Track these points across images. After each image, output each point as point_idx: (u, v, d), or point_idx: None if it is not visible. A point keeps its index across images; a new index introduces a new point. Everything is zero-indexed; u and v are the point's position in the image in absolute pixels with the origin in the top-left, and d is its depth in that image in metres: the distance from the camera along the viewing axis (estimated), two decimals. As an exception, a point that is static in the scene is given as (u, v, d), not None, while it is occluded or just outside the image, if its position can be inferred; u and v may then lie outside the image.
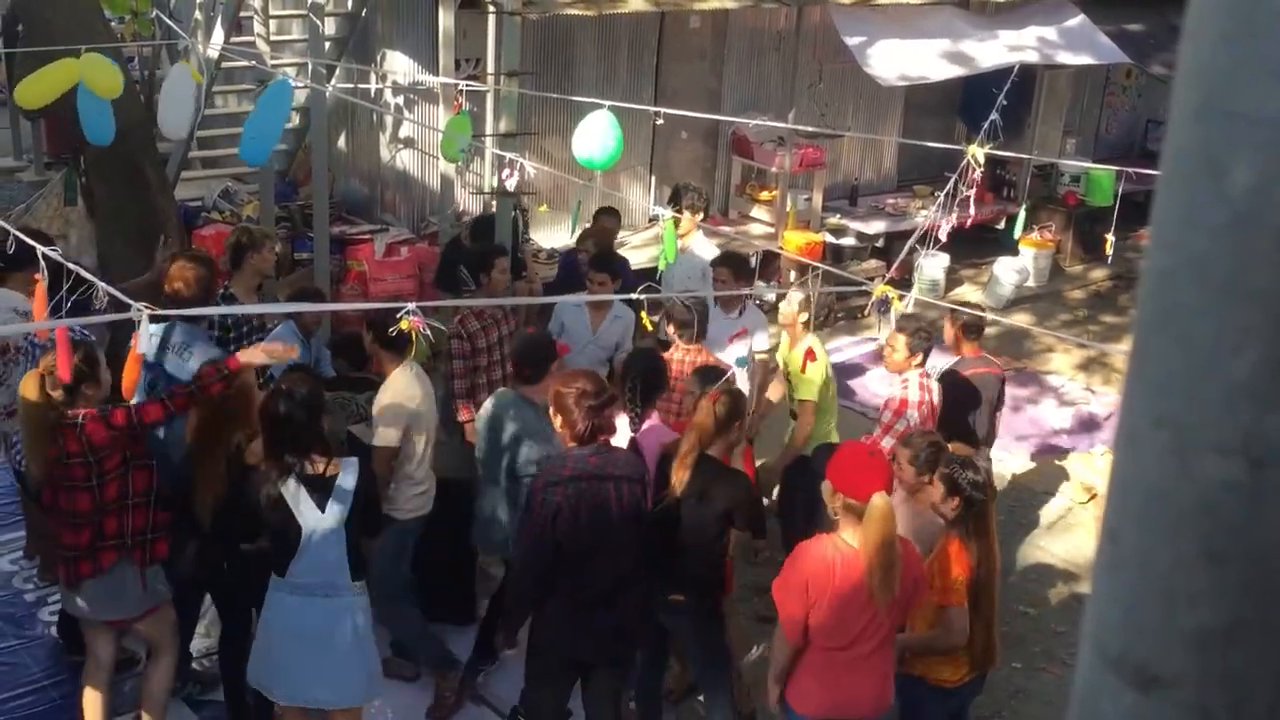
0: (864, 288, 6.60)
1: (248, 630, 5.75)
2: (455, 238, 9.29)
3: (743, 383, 6.32)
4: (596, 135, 6.53)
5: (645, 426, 5.78)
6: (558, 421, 5.04)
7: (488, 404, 5.97)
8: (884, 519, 4.37)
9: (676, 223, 6.95)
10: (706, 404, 5.20)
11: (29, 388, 4.97)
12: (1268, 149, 0.57)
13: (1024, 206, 7.10)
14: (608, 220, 8.77)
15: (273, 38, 10.65)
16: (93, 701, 5.37)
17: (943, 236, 6.39)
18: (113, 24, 10.16)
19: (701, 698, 5.87)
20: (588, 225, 8.97)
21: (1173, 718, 0.63)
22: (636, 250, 10.71)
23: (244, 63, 10.61)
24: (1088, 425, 9.73)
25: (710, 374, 5.67)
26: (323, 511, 4.75)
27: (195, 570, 5.53)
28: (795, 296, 6.76)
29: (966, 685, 5.09)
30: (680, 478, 5.15)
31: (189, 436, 5.19)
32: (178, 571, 5.48)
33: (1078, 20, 12.64)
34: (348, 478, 4.79)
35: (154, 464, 5.20)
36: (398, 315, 4.81)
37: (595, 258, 7.78)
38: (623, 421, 5.76)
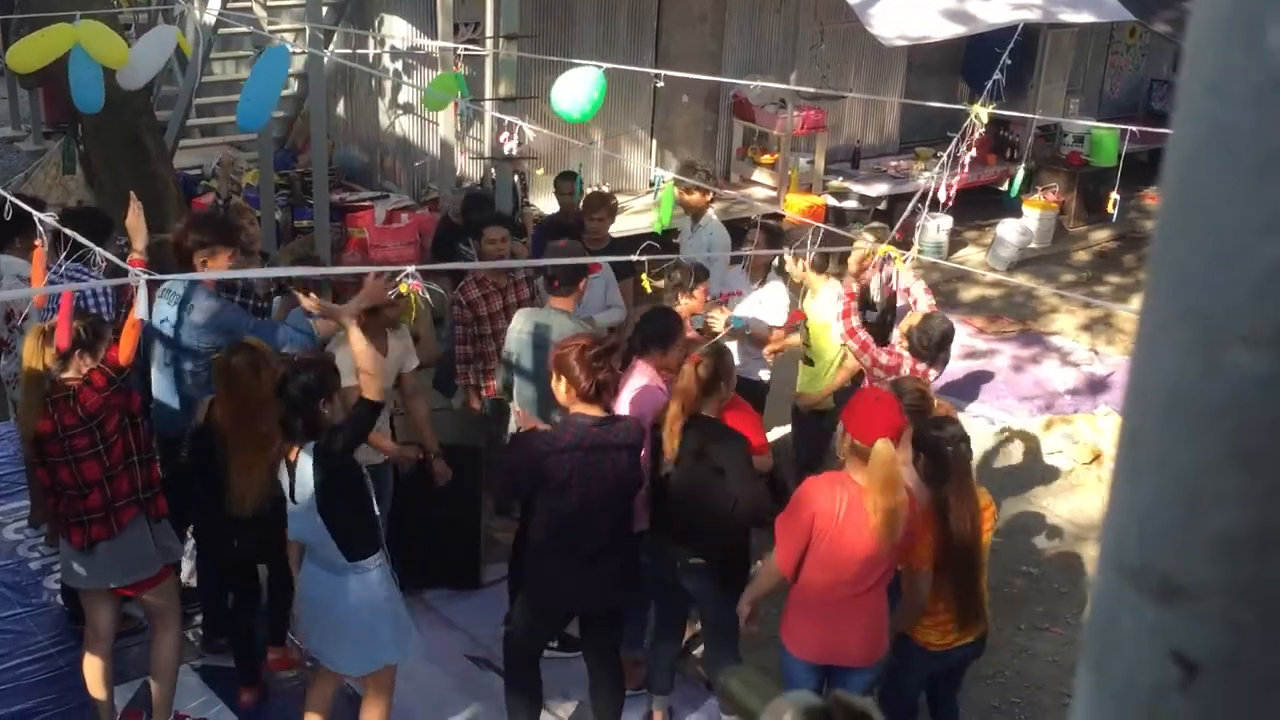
0: (868, 248, 6.58)
1: (257, 599, 5.76)
2: (445, 217, 9.24)
3: (733, 347, 6.37)
4: (578, 89, 6.52)
5: (639, 385, 5.72)
6: (561, 384, 5.04)
7: (518, 319, 6.28)
8: (886, 463, 4.45)
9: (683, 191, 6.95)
10: (688, 367, 5.20)
11: (29, 346, 4.96)
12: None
13: (1023, 166, 7.03)
14: (565, 184, 8.70)
15: (269, 3, 10.57)
16: (94, 669, 5.37)
17: (942, 197, 6.32)
18: (109, -10, 10.08)
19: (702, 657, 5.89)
20: (590, 189, 8.94)
21: (1198, 631, 0.60)
22: (637, 215, 10.66)
23: (241, 28, 10.54)
24: (1092, 386, 9.70)
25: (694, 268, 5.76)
26: (293, 500, 4.77)
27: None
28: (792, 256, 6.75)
29: (956, 649, 5.05)
30: (671, 445, 5.16)
31: (223, 421, 5.17)
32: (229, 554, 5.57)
33: (1081, -22, 12.52)
34: (305, 463, 4.72)
35: (146, 417, 5.24)
36: (397, 279, 4.83)
37: (551, 225, 7.68)
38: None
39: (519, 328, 6.27)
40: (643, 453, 5.20)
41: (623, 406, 5.65)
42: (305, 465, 4.72)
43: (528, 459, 5.03)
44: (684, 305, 6.58)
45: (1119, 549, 0.64)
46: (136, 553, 5.18)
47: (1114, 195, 6.51)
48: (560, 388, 5.06)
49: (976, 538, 4.87)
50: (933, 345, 6.01)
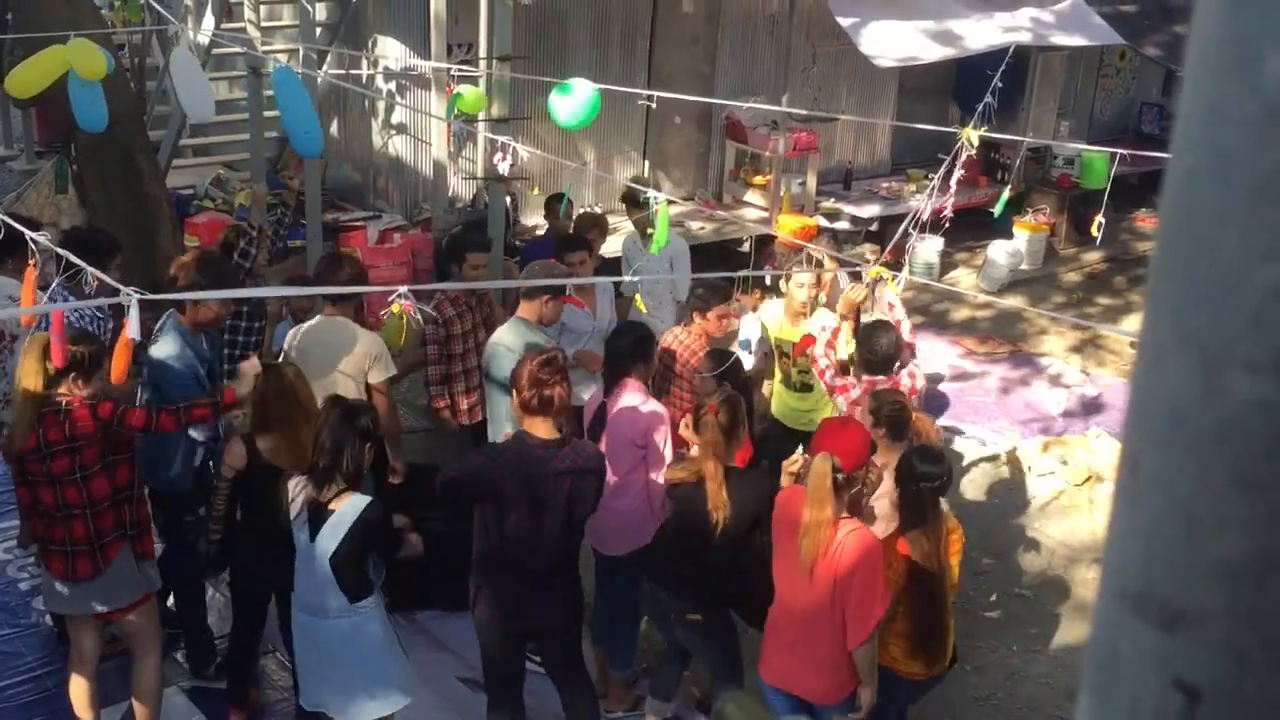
0: (856, 267, 6.60)
1: (258, 626, 5.70)
2: (443, 235, 9.25)
3: (748, 361, 6.36)
4: (574, 95, 6.57)
5: (629, 405, 5.70)
6: (515, 400, 4.99)
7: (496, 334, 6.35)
8: (817, 476, 4.49)
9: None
10: (709, 418, 5.06)
11: (28, 362, 4.93)
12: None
13: (1006, 188, 7.06)
14: (556, 206, 8.68)
15: (263, 23, 10.59)
16: (80, 691, 5.34)
17: (926, 216, 6.36)
18: (102, 10, 10.10)
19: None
20: (581, 210, 8.95)
21: (1200, 658, 0.60)
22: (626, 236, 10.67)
23: (235, 49, 10.56)
24: (1084, 407, 9.72)
25: (718, 356, 5.73)
26: (312, 540, 4.71)
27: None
28: (805, 278, 6.69)
29: (930, 680, 5.08)
30: (718, 504, 5.00)
31: (274, 456, 5.12)
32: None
33: (1071, 1, 12.61)
34: (348, 511, 4.67)
35: (133, 457, 5.16)
36: (389, 299, 4.82)
37: (563, 240, 7.67)
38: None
39: (490, 342, 6.35)
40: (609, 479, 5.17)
41: (612, 426, 5.64)
42: (348, 512, 4.67)
43: (466, 470, 5.07)
44: (698, 325, 6.57)
45: (1120, 575, 0.63)
46: (119, 581, 5.15)
47: (1099, 218, 6.52)
48: (515, 400, 5.02)
49: (941, 573, 4.86)
50: (879, 357, 6.01)
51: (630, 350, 5.79)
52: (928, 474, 4.83)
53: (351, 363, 6.05)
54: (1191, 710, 0.60)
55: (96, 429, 4.90)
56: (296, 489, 4.76)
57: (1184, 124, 0.59)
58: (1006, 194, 7.01)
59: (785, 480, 5.11)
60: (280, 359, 6.22)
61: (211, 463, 5.80)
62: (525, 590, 5.03)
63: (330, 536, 4.66)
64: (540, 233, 9.42)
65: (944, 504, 5.11)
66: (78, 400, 4.92)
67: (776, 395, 7.02)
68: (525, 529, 4.91)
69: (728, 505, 4.98)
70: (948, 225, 6.60)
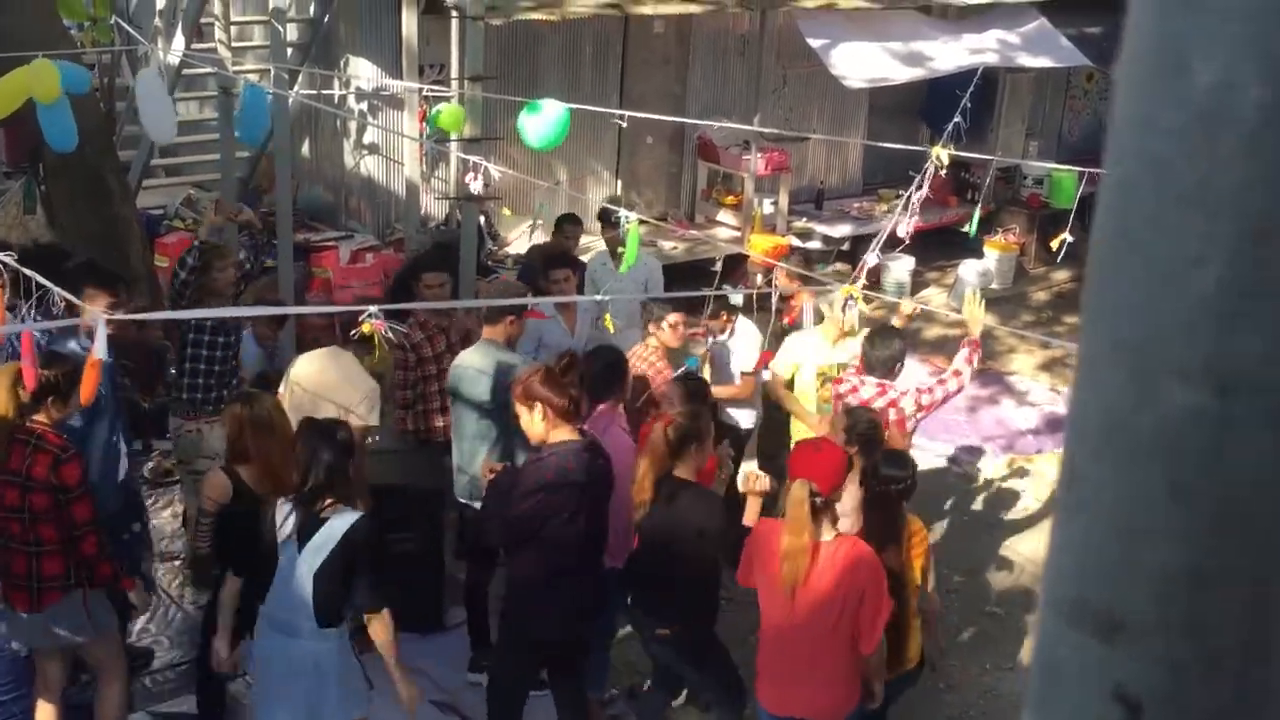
0: (828, 287, 6.62)
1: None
2: (412, 254, 9.25)
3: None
4: (544, 116, 6.57)
5: (604, 427, 5.69)
6: (536, 414, 4.91)
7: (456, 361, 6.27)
8: (795, 504, 4.50)
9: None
10: (658, 427, 5.12)
11: (1, 385, 4.88)
12: (1232, 42, 0.53)
13: (979, 207, 7.12)
14: (570, 228, 8.69)
15: (234, 44, 10.56)
16: (46, 718, 5.28)
17: (903, 233, 6.39)
18: (71, 31, 10.05)
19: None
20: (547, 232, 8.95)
21: (1138, 669, 0.60)
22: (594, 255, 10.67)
23: (205, 69, 10.52)
24: (1054, 425, 9.75)
25: (687, 385, 5.72)
26: (299, 551, 4.68)
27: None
28: (836, 300, 6.68)
29: (893, 681, 5.11)
30: (641, 498, 5.09)
31: (256, 484, 5.09)
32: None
33: (1038, 24, 12.73)
34: (338, 525, 4.65)
35: (89, 494, 5.06)
36: (360, 319, 4.81)
37: (552, 256, 7.68)
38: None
39: (454, 366, 6.29)
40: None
41: None
42: (339, 526, 4.66)
43: (541, 500, 4.87)
44: (656, 339, 6.55)
45: (1059, 586, 0.63)
46: (66, 624, 5.07)
47: (1063, 236, 6.57)
48: (534, 418, 4.92)
49: (902, 572, 4.92)
50: (879, 360, 6.10)
51: (606, 375, 5.78)
52: (892, 476, 4.92)
53: (341, 394, 6.02)
54: (1131, 721, 0.60)
55: (47, 478, 4.84)
56: (285, 509, 4.75)
57: (1116, 134, 0.59)
58: (979, 213, 7.05)
59: (751, 503, 5.14)
60: (283, 383, 6.21)
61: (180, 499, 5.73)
62: (566, 600, 5.01)
63: (318, 550, 4.64)
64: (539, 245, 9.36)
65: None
66: (51, 436, 4.86)
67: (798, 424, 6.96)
68: (587, 532, 4.94)
69: (648, 509, 5.06)
70: (907, 242, 6.63)
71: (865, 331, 6.69)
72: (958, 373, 6.08)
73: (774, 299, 6.74)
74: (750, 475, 5.37)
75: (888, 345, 6.16)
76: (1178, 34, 0.55)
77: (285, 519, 4.73)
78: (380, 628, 4.75)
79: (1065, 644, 0.63)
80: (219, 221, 7.72)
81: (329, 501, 4.69)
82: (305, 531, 4.67)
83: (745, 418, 7.21)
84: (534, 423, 4.96)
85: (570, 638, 5.21)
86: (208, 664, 5.65)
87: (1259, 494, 0.57)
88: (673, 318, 6.56)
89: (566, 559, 4.93)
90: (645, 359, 6.57)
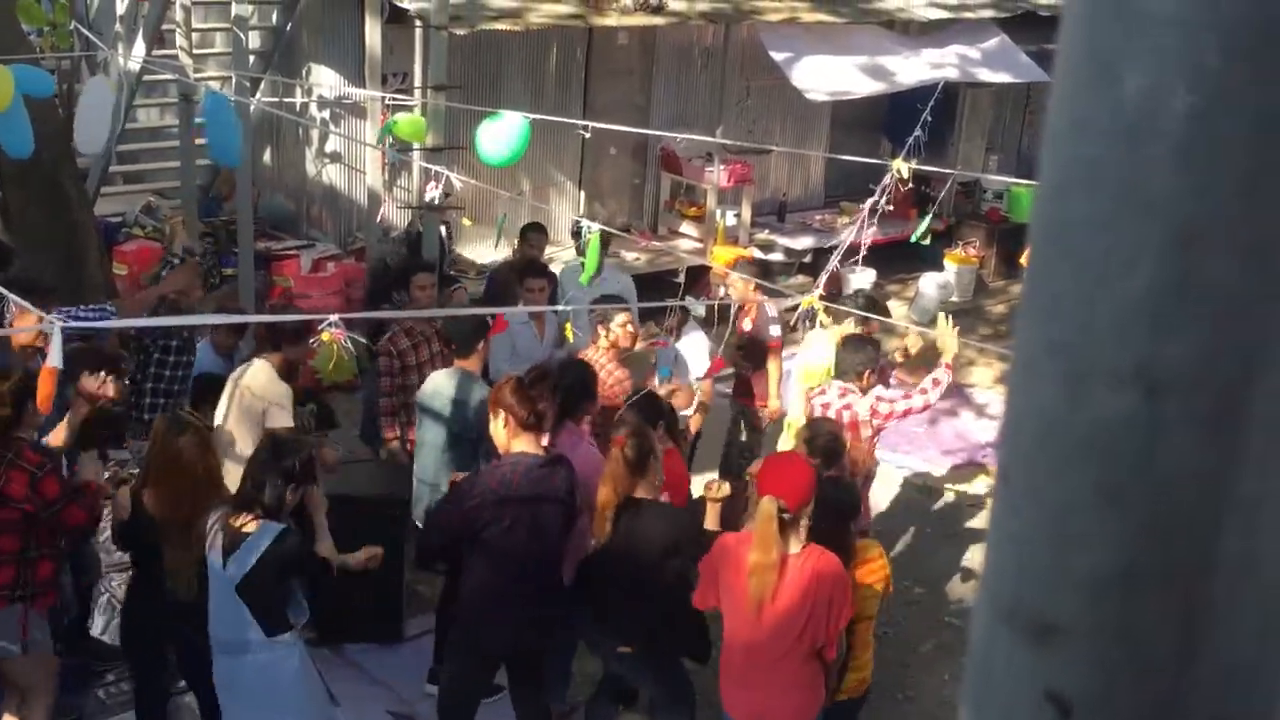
0: (790, 299, 6.65)
1: (160, 672, 5.56)
2: (380, 260, 9.22)
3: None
4: (501, 133, 6.56)
5: (572, 444, 5.68)
6: (499, 422, 5.01)
7: (428, 384, 6.23)
8: (763, 520, 4.50)
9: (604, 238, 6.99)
10: (615, 452, 5.08)
11: None
12: (1162, 50, 0.55)
13: (929, 214, 7.20)
14: (534, 236, 8.70)
15: (195, 50, 10.50)
16: None
17: (859, 244, 6.45)
18: (31, 36, 9.95)
19: None
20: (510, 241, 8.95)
21: (1070, 671, 0.60)
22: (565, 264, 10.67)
23: (166, 76, 10.46)
24: (1012, 437, 9.85)
25: (643, 406, 5.70)
26: (223, 566, 4.63)
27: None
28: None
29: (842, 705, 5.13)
30: (602, 529, 5.08)
31: (153, 509, 5.02)
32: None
33: (998, 40, 12.86)
34: (261, 539, 4.59)
35: (75, 498, 5.02)
36: (319, 326, 4.79)
37: (528, 265, 7.73)
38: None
39: (424, 390, 6.23)
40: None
41: None
42: (261, 538, 4.60)
43: (470, 506, 4.95)
44: (605, 340, 6.53)
45: (994, 589, 0.64)
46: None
47: (1029, 251, 6.64)
48: (498, 426, 5.01)
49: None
50: (854, 365, 6.18)
51: (577, 391, 5.77)
52: (840, 502, 4.93)
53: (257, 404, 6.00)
54: (1062, 722, 0.61)
55: (26, 496, 4.78)
56: (215, 519, 4.70)
57: (1051, 140, 0.60)
58: (928, 221, 7.14)
59: (710, 508, 5.15)
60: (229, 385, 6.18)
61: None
62: (519, 614, 5.02)
63: (240, 561, 4.57)
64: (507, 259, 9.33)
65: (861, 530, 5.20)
66: (28, 452, 4.81)
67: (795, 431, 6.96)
68: (530, 545, 4.93)
69: (610, 535, 5.04)
70: (863, 255, 6.70)
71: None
72: (924, 390, 6.14)
73: (733, 309, 6.78)
74: (710, 483, 5.38)
75: (859, 351, 6.23)
76: (1108, 43, 0.56)
77: (213, 536, 4.69)
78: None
79: (1000, 645, 0.63)
80: (184, 235, 7.71)
81: (250, 517, 4.63)
82: (229, 545, 4.62)
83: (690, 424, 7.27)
84: (498, 430, 5.05)
85: (520, 649, 5.23)
86: (144, 672, 5.55)
87: (1189, 495, 0.58)
88: (621, 318, 6.56)
89: (510, 570, 4.95)
90: (595, 360, 6.57)
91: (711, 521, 5.15)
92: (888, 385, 6.74)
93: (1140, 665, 0.59)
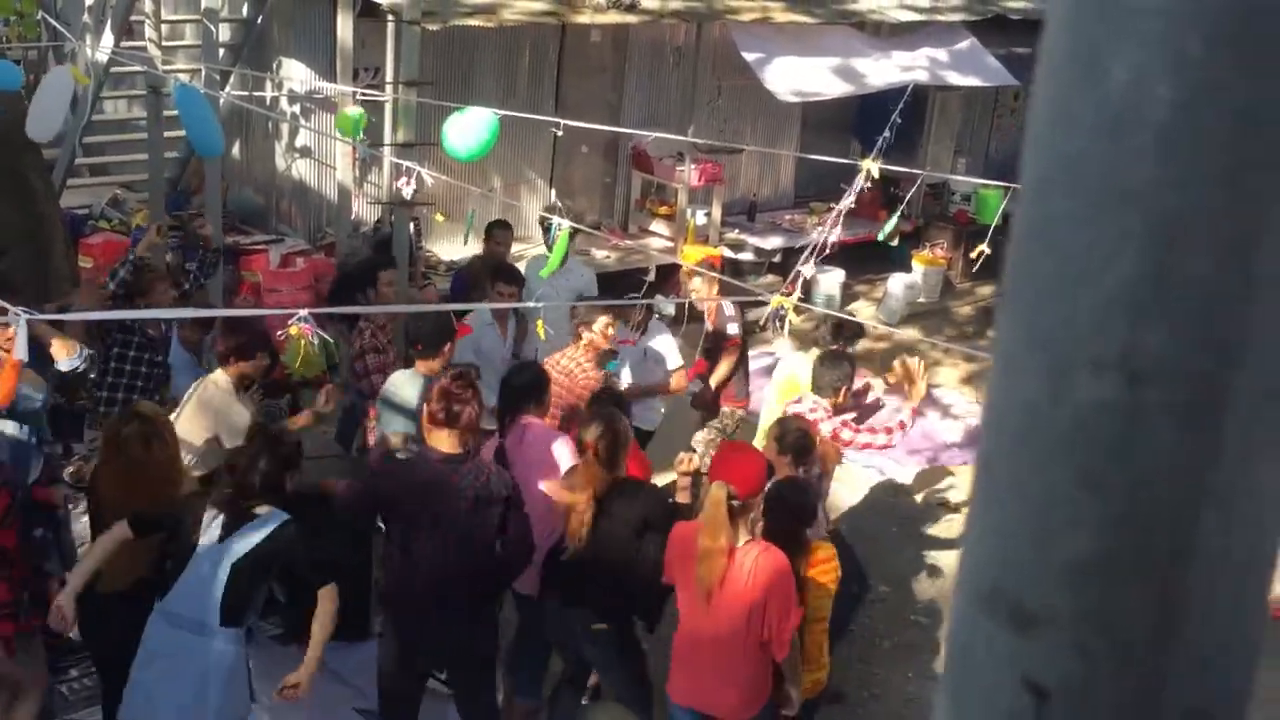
0: (759, 298, 6.68)
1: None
2: (341, 263, 9.20)
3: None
4: (469, 127, 6.56)
5: (526, 429, 5.69)
6: (424, 417, 5.07)
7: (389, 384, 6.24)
8: (712, 504, 4.57)
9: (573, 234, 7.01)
10: (588, 455, 5.10)
11: None
12: (1147, 41, 0.55)
13: (896, 214, 7.27)
14: (500, 234, 8.68)
15: (165, 42, 10.41)
16: None
17: (827, 244, 6.50)
18: (-2, 26, 9.87)
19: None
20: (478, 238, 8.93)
21: (1049, 658, 0.61)
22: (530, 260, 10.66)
23: (134, 67, 10.37)
24: (976, 437, 9.90)
25: (603, 403, 5.74)
26: (221, 549, 4.62)
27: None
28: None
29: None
30: (579, 531, 5.07)
31: (103, 489, 5.02)
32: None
33: (968, 43, 12.94)
34: (266, 524, 4.63)
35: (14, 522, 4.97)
36: (288, 321, 4.78)
37: (498, 269, 7.74)
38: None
39: (385, 390, 6.24)
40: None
41: (522, 464, 5.59)
42: (269, 520, 4.63)
43: (365, 486, 5.11)
44: (588, 340, 6.58)
45: (974, 577, 0.65)
46: None
47: (982, 247, 6.70)
48: (424, 421, 5.06)
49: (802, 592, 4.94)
50: (830, 382, 6.25)
51: (528, 389, 5.78)
52: (796, 504, 4.98)
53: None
54: (1040, 709, 0.62)
55: None
56: (211, 513, 4.73)
57: (1035, 132, 0.61)
58: (894, 220, 7.22)
59: (680, 482, 5.25)
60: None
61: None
62: (436, 617, 4.97)
63: (245, 538, 4.61)
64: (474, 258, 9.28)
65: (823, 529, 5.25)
66: None
67: None
68: (430, 550, 4.88)
69: (585, 538, 5.06)
70: (830, 254, 6.75)
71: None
72: (889, 430, 6.26)
73: (705, 310, 6.82)
74: (682, 457, 5.48)
75: (835, 367, 6.30)
76: (1092, 33, 0.57)
77: (211, 522, 4.68)
78: (328, 600, 4.77)
79: (979, 635, 0.64)
80: (159, 241, 7.65)
81: (258, 505, 4.68)
82: (231, 530, 4.64)
83: (649, 420, 7.30)
84: (424, 425, 5.09)
85: (434, 659, 5.23)
86: (107, 665, 5.48)
87: (1169, 485, 0.59)
88: (603, 321, 6.63)
89: (416, 574, 4.95)
90: (574, 359, 6.61)
91: (683, 495, 5.22)
92: (865, 402, 6.82)
93: (1118, 653, 0.60)
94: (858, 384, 6.71)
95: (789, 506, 4.92)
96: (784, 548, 4.83)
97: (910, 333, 11.36)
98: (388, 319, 6.82)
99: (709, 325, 7.55)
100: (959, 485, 8.96)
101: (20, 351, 4.17)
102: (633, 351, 7.22)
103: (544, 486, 5.32)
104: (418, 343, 6.17)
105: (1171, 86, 0.56)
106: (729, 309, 7.57)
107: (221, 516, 4.68)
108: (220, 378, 6.04)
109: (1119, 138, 0.57)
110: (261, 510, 4.68)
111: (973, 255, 6.81)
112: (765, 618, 4.59)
